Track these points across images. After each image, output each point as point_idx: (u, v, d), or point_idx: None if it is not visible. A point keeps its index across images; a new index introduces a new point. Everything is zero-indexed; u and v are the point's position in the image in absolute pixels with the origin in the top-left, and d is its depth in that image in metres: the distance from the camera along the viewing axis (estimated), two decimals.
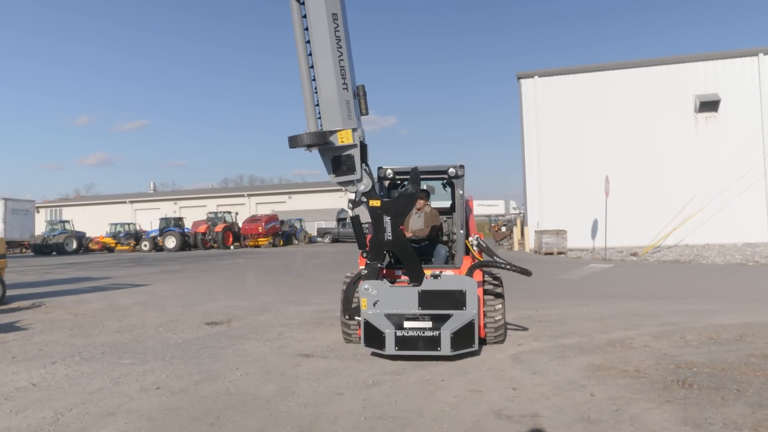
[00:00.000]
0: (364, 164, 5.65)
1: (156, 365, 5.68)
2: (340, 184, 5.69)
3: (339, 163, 5.62)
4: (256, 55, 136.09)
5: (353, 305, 5.91)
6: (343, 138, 5.54)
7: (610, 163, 24.34)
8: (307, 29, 5.61)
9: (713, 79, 24.78)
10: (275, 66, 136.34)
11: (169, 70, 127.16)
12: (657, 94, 25.17)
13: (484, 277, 6.20)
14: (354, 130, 5.55)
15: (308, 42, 5.63)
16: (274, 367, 5.53)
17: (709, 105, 24.58)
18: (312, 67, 5.62)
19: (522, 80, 26.98)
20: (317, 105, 5.62)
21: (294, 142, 5.50)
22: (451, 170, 6.21)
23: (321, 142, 5.49)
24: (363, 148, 5.64)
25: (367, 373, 5.17)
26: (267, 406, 4.33)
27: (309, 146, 5.51)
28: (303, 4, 5.57)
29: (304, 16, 5.59)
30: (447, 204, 7.42)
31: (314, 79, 5.61)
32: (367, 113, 5.72)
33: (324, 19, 5.51)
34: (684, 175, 24.48)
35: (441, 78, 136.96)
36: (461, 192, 6.26)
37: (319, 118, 5.61)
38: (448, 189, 7.26)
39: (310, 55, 5.62)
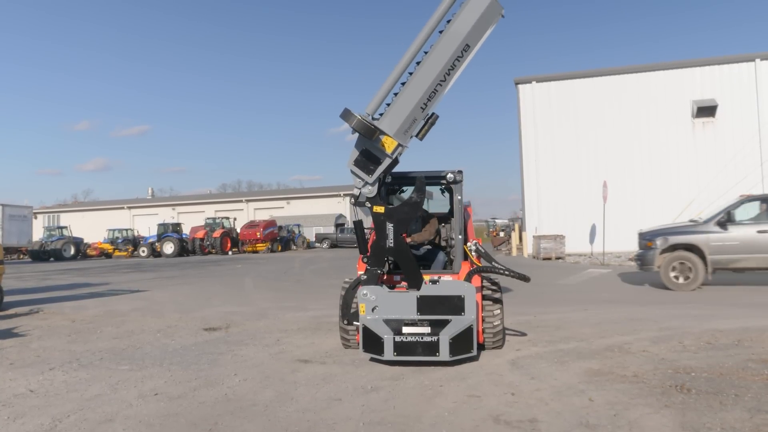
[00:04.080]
0: (382, 174, 5.67)
1: (154, 371, 5.67)
2: (351, 173, 5.68)
3: (366, 157, 5.60)
4: (256, 61, 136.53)
5: (352, 310, 5.92)
6: (386, 145, 5.54)
7: (608, 168, 24.40)
8: (437, 34, 5.54)
9: (710, 84, 24.87)
10: (275, 72, 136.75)
11: (170, 75, 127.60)
12: (654, 100, 25.25)
13: (482, 282, 6.21)
14: (399, 145, 5.55)
15: (429, 40, 5.55)
16: (273, 372, 5.52)
17: (706, 110, 24.67)
18: (412, 70, 5.57)
19: (520, 86, 27.05)
20: (389, 99, 5.59)
21: (346, 117, 5.43)
22: (450, 176, 6.22)
23: (366, 135, 5.44)
24: (394, 162, 5.66)
25: (365, 379, 5.17)
26: (265, 411, 4.33)
27: (354, 130, 5.46)
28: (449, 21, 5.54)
29: (448, 21, 5.54)
30: (445, 209, 7.43)
31: (404, 81, 5.57)
32: (421, 139, 5.70)
33: (457, 41, 5.49)
34: (681, 180, 24.53)
35: None
36: (460, 197, 6.27)
37: (381, 113, 5.58)
38: (447, 194, 7.27)
39: (422, 52, 5.56)
